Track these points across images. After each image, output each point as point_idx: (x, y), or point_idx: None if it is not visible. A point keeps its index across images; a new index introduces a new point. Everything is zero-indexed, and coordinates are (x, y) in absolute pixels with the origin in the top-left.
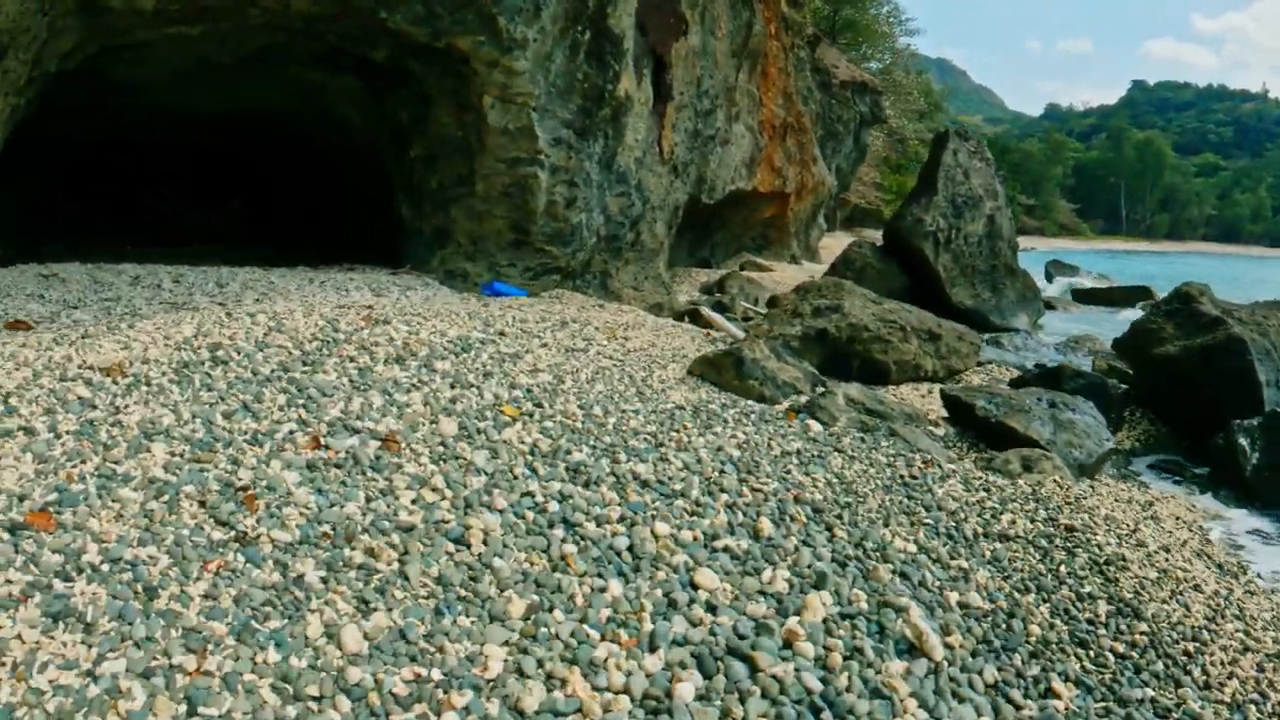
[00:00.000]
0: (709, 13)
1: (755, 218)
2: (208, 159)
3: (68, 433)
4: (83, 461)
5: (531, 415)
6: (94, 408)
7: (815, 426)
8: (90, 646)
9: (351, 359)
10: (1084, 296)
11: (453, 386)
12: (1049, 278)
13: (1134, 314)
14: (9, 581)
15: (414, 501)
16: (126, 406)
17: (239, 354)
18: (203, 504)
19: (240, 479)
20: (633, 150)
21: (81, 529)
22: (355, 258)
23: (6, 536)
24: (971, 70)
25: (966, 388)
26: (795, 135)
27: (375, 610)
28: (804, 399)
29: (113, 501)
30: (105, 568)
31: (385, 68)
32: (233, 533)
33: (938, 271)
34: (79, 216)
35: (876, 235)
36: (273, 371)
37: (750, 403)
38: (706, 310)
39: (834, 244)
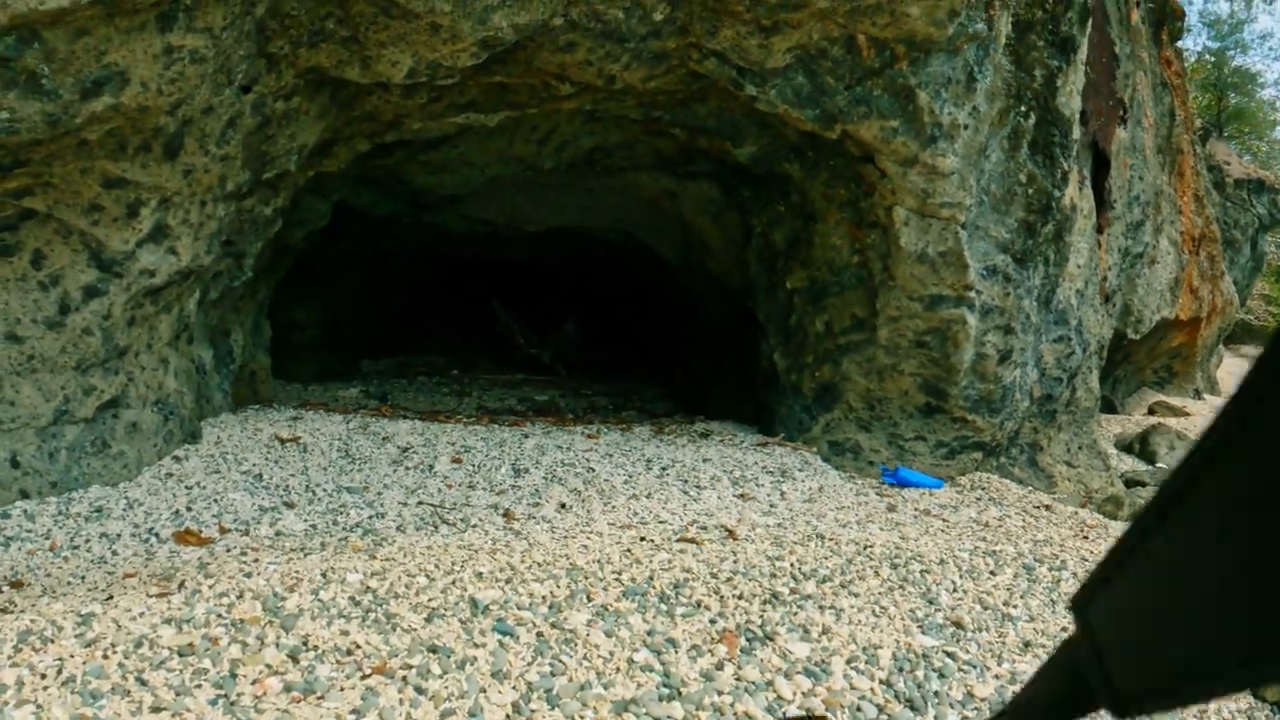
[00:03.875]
0: (1136, 96)
1: (1161, 348)
2: (538, 278)
3: None
4: None
5: None
6: None
7: None
8: None
9: None
10: None
11: None
12: None
13: None
14: None
15: None
16: None
17: None
18: None
19: None
20: (1074, 279)
21: None
22: (709, 409)
23: None
24: None
25: None
26: (1206, 247)
27: None
28: None
29: None
30: None
31: (752, 173)
32: None
33: None
34: (407, 335)
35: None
36: None
37: None
38: None
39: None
